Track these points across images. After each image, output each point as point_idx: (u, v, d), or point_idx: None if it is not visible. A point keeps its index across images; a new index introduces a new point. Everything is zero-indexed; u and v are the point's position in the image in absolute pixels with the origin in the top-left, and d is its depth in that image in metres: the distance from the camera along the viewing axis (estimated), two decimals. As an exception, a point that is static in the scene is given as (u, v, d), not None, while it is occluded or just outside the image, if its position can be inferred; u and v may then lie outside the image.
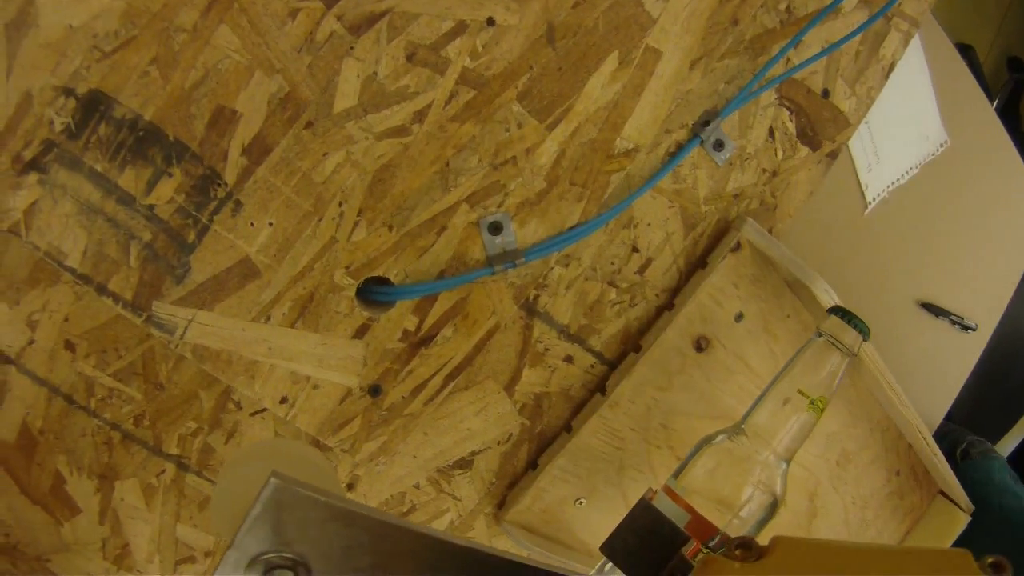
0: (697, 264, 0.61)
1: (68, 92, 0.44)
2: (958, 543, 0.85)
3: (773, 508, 0.53)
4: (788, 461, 0.53)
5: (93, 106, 0.45)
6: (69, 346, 0.48)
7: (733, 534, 0.51)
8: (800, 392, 0.52)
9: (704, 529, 0.50)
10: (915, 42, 0.72)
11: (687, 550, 0.46)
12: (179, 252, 0.47)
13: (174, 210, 0.47)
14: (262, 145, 0.47)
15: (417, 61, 0.49)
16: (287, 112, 0.47)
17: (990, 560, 0.32)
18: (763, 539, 0.53)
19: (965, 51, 2.41)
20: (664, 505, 0.51)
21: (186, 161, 0.46)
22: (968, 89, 0.82)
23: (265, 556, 0.25)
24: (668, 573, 0.44)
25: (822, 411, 0.52)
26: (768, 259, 0.59)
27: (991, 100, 2.44)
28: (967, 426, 1.35)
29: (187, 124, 0.46)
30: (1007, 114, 2.57)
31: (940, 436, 1.10)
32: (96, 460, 0.51)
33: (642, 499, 0.49)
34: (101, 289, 0.47)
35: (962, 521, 0.82)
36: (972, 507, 0.82)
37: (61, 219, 0.46)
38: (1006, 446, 1.68)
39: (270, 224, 0.48)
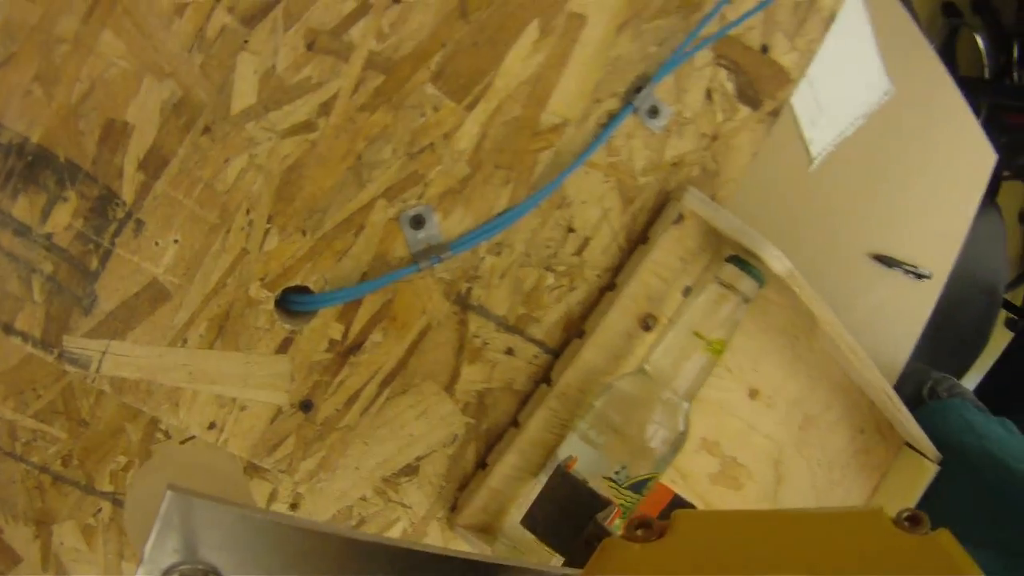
0: (638, 240, 0.66)
1: (-52, 121, 0.48)
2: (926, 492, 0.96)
3: (677, 444, 0.64)
4: (690, 400, 0.63)
5: (-25, 133, 0.48)
6: (-18, 390, 0.52)
7: (640, 471, 0.60)
8: (697, 334, 0.62)
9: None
10: (853, -12, 0.78)
11: (608, 517, 0.50)
12: (84, 281, 0.51)
13: (73, 237, 0.50)
14: (158, 157, 0.51)
15: (318, 49, 0.53)
16: (182, 118, 0.51)
17: (906, 514, 0.34)
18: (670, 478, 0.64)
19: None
20: None
21: (80, 183, 0.50)
22: (910, 35, 0.89)
23: (178, 567, 0.28)
24: (586, 540, 0.48)
25: (720, 352, 0.63)
26: (714, 229, 0.65)
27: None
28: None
29: (77, 143, 0.49)
30: (943, 60, 2.86)
31: (904, 377, 1.21)
32: (30, 506, 0.55)
33: (559, 467, 0.54)
34: (8, 329, 0.51)
35: (930, 471, 0.91)
36: (939, 456, 0.92)
37: (-50, 257, 0.50)
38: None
39: (175, 241, 0.52)
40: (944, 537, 0.33)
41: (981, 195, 1.05)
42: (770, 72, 0.70)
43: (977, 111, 2.97)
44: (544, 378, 0.66)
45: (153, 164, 0.51)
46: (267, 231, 0.54)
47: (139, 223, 0.51)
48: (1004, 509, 1.01)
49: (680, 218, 0.64)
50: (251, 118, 0.53)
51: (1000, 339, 2.14)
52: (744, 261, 0.63)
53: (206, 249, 0.53)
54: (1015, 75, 3.18)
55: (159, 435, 0.56)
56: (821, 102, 0.78)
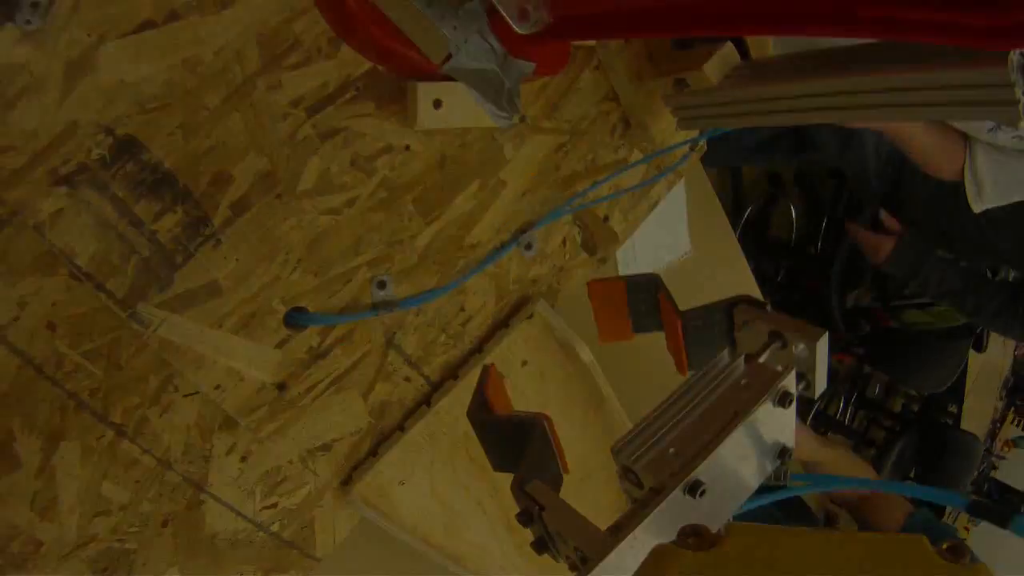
0: (502, 324, 0.84)
1: (108, 131, 0.56)
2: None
3: None
4: None
5: (127, 147, 0.57)
6: (50, 326, 0.58)
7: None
8: None
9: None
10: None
11: (548, 432, 0.50)
12: (168, 269, 0.60)
13: (171, 238, 0.60)
14: (244, 204, 0.63)
15: (357, 166, 0.68)
16: (266, 184, 0.63)
17: (946, 545, 0.31)
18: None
19: (734, 168, 2.76)
20: None
21: (188, 204, 0.60)
22: (715, 213, 1.19)
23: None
24: (528, 522, 0.47)
25: None
26: (549, 325, 0.85)
27: (747, 207, 2.76)
28: None
29: (195, 178, 0.60)
30: (758, 220, 2.90)
31: None
32: (48, 423, 0.58)
33: (478, 421, 0.53)
34: (99, 286, 0.58)
35: None
36: None
37: (80, 227, 0.56)
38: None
39: (237, 260, 0.63)
40: (983, 570, 0.32)
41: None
42: (606, 234, 0.92)
43: (778, 270, 2.97)
44: (426, 401, 0.80)
45: (240, 207, 0.62)
46: (294, 268, 0.67)
47: (218, 242, 0.62)
48: None
49: (531, 316, 0.84)
50: (307, 197, 0.65)
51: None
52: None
53: (253, 270, 0.64)
54: (819, 245, 2.99)
55: (170, 388, 0.64)
56: (636, 253, 1.02)
